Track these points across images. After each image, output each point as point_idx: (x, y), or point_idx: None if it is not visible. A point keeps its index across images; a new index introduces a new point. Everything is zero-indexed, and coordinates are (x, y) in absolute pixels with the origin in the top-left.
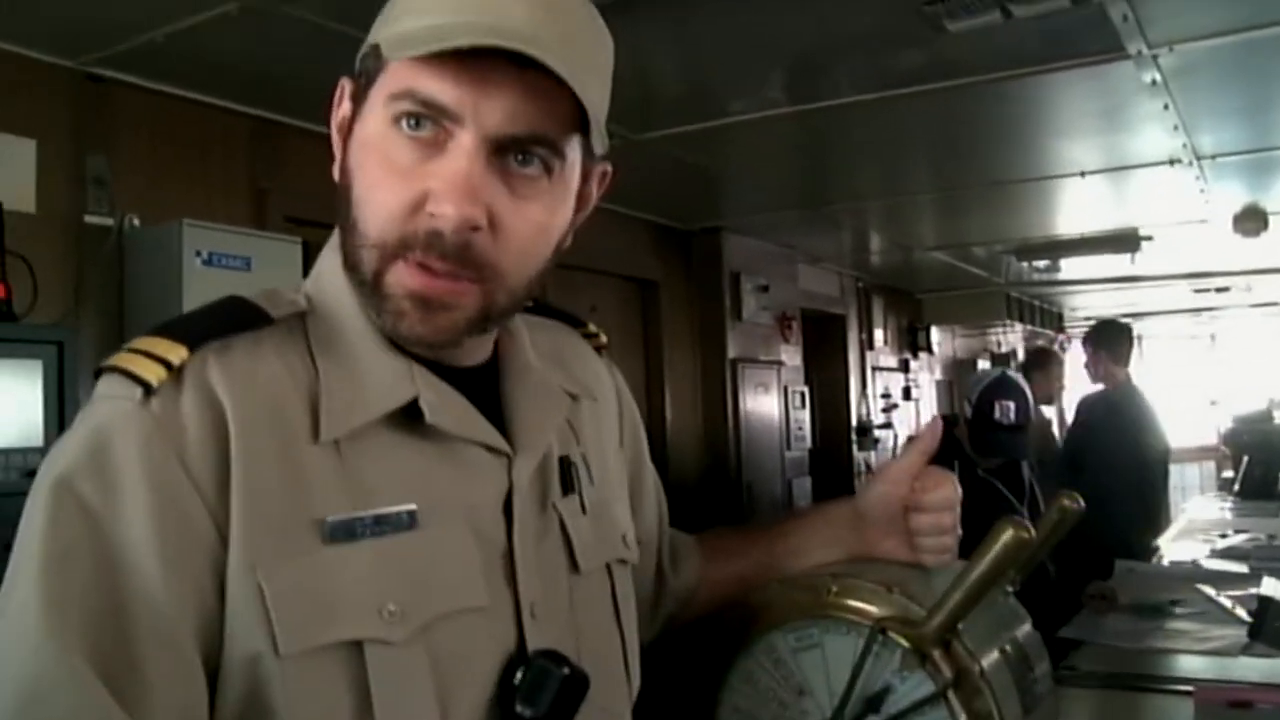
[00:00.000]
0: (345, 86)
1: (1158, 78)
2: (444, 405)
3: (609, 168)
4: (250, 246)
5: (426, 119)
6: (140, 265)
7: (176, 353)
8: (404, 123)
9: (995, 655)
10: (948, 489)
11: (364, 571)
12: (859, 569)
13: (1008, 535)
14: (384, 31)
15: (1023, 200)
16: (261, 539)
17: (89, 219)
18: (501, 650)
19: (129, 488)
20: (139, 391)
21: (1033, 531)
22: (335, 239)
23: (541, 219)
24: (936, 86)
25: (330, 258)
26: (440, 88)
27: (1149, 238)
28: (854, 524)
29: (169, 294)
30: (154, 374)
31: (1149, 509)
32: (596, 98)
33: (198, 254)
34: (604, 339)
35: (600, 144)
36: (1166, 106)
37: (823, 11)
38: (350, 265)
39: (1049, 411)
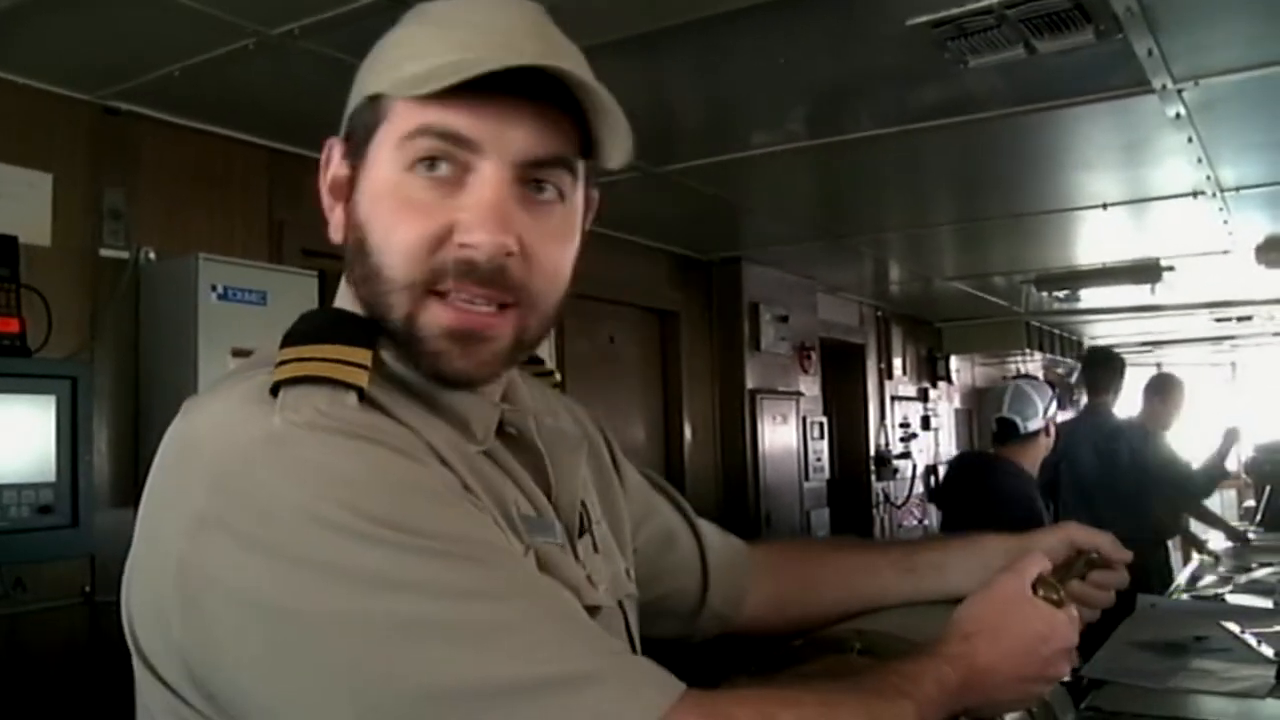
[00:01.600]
0: (335, 147)
1: (1182, 112)
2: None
3: (597, 193)
4: (266, 280)
5: (443, 159)
6: (156, 299)
7: (362, 355)
8: (419, 167)
9: (1023, 713)
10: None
11: (568, 560)
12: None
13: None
14: (385, 78)
15: (1043, 231)
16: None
17: (104, 252)
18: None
19: (423, 477)
20: (353, 396)
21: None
22: (346, 290)
23: (563, 243)
24: (957, 120)
25: (341, 288)
26: (459, 120)
27: (1170, 268)
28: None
29: (184, 328)
30: (358, 377)
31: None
32: (617, 109)
33: (213, 288)
34: (558, 376)
35: (622, 156)
36: (1190, 140)
37: (845, 47)
38: (379, 317)
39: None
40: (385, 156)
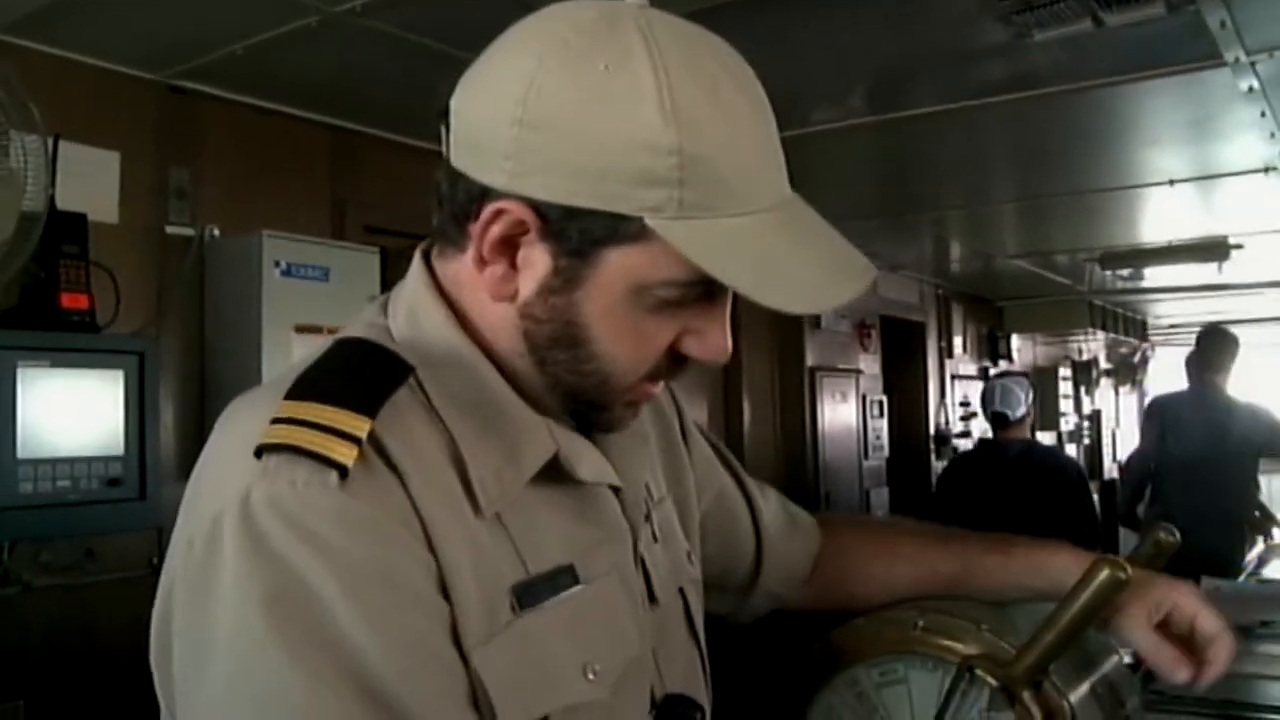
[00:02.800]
0: (521, 215)
1: (1255, 84)
2: (580, 455)
3: None
4: (329, 257)
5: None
6: (220, 276)
7: (359, 426)
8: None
9: (1086, 693)
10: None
11: (561, 634)
12: (946, 604)
13: (1104, 575)
14: (688, 197)
15: (1108, 208)
16: (470, 621)
17: (170, 230)
18: (648, 697)
19: (371, 591)
20: (334, 476)
21: (1130, 572)
22: (423, 277)
23: None
24: (1021, 96)
25: (425, 298)
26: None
27: (1239, 246)
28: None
29: (249, 304)
30: (345, 454)
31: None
32: None
33: (277, 264)
34: None
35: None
36: (1264, 114)
37: (908, 22)
38: (567, 376)
39: None
40: (624, 284)
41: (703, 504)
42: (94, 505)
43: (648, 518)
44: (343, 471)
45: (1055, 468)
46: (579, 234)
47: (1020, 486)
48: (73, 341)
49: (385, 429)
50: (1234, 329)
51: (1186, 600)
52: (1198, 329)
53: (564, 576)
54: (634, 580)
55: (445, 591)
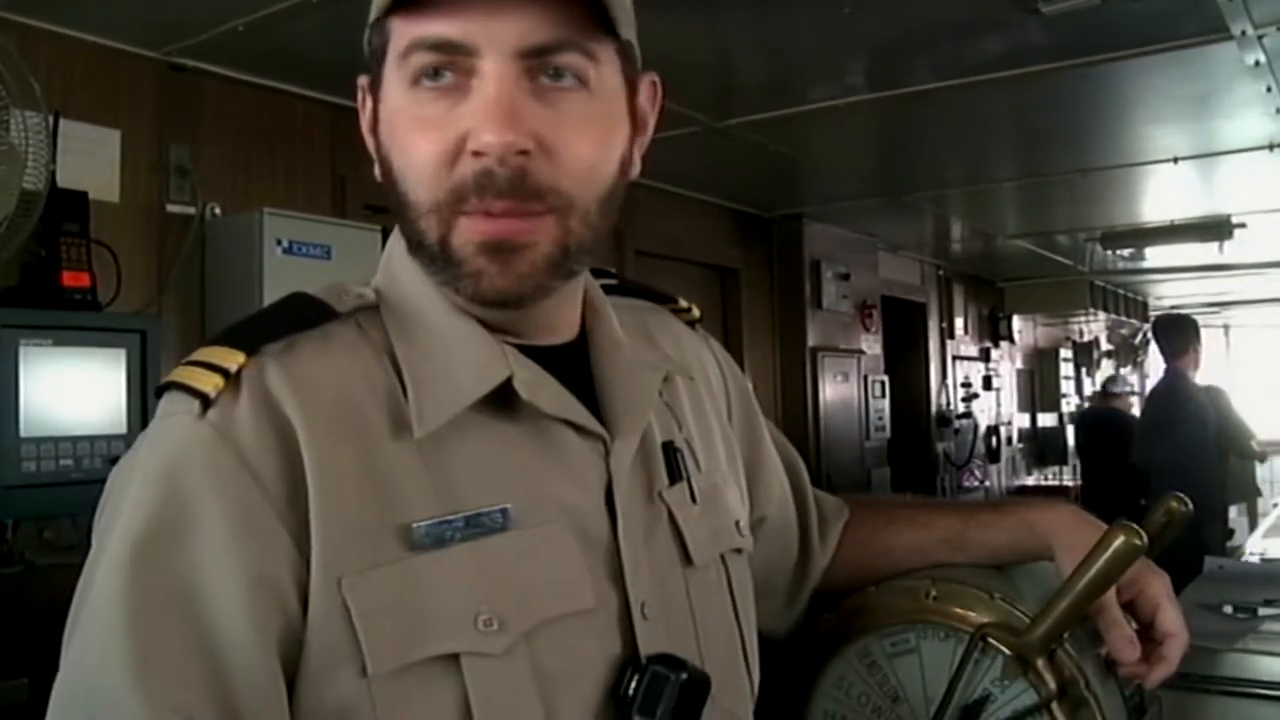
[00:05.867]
0: (362, 84)
1: (1261, 59)
2: (539, 384)
3: (655, 78)
4: (330, 235)
5: (445, 68)
6: (221, 254)
7: (233, 359)
8: (423, 80)
9: (1099, 663)
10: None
11: (456, 579)
12: (959, 574)
13: (1119, 543)
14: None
15: (1109, 187)
16: (344, 551)
17: (171, 208)
18: (611, 656)
19: (203, 517)
20: (196, 405)
21: (1145, 538)
22: (398, 230)
23: (592, 133)
24: (1023, 72)
25: (396, 248)
26: (445, 26)
27: (1242, 225)
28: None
29: (250, 282)
30: (210, 384)
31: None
32: None
33: (278, 243)
34: (697, 313)
35: (628, 30)
36: (1269, 89)
37: None
38: (415, 246)
39: None
40: (392, 79)
41: (758, 508)
42: (97, 484)
43: (679, 478)
44: (205, 400)
45: None
46: (370, 53)
47: None
48: (74, 320)
49: (279, 368)
50: (1236, 310)
51: (1156, 589)
52: (1199, 310)
53: (493, 519)
54: (598, 529)
55: (307, 518)
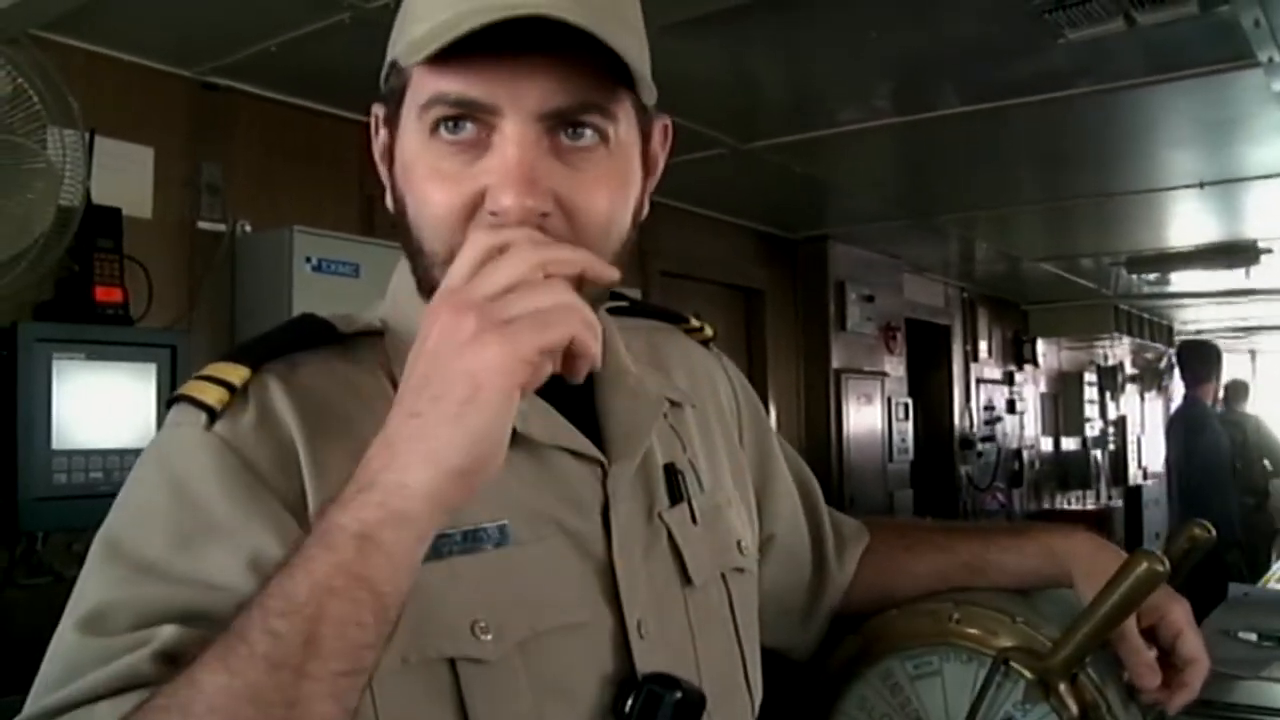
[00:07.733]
0: (378, 113)
1: None
2: (532, 414)
3: (668, 121)
4: (359, 253)
5: (465, 119)
6: (251, 271)
7: (238, 374)
8: (443, 129)
9: (1120, 688)
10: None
11: (454, 587)
12: (981, 597)
13: (1141, 569)
14: (398, 43)
15: (1135, 212)
16: None
17: (202, 225)
18: (609, 673)
19: (218, 515)
20: (203, 417)
21: (1167, 565)
22: (404, 262)
23: (610, 190)
24: (1049, 96)
25: (402, 284)
26: (468, 84)
27: (1268, 250)
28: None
29: (279, 299)
30: (216, 398)
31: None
32: (632, 45)
33: (308, 260)
34: (709, 331)
35: (649, 95)
36: None
37: (936, 20)
38: (428, 291)
39: None
40: (410, 125)
41: (766, 526)
42: None
43: (680, 499)
44: (211, 413)
45: None
46: (388, 90)
47: None
48: (106, 335)
49: (282, 384)
50: (1262, 335)
51: (1177, 615)
52: (1225, 334)
53: (488, 533)
54: (595, 548)
55: (308, 523)
